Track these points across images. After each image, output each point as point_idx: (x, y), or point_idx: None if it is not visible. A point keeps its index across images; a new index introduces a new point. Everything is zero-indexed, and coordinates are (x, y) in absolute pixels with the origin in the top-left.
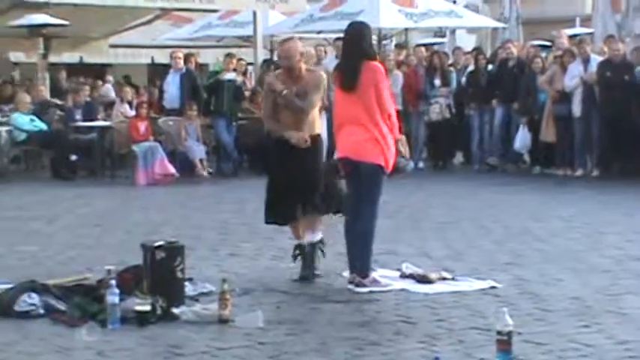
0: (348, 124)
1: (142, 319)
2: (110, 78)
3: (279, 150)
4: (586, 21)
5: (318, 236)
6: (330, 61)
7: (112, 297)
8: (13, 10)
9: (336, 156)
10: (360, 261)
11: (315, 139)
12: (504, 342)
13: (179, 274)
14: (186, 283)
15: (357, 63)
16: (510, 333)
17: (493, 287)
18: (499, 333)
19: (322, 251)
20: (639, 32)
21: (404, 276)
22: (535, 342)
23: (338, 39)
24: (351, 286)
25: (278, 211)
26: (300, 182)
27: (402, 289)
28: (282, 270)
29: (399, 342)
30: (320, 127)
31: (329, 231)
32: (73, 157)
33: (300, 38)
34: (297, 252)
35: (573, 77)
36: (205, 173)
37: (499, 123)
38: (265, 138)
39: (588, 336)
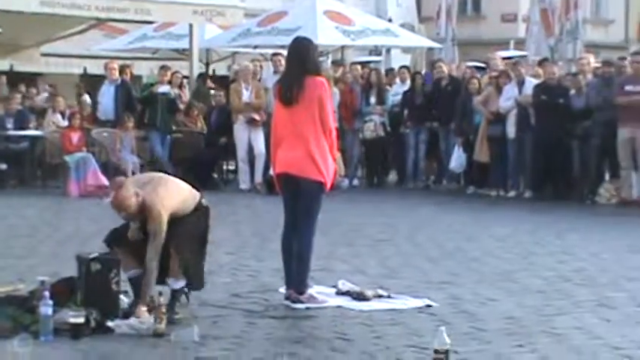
0: (288, 140)
1: (76, 332)
2: (46, 87)
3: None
4: (520, 44)
5: (182, 282)
6: (268, 76)
7: (45, 308)
8: None
9: (272, 171)
10: (296, 277)
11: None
12: None
13: (114, 287)
14: (121, 296)
15: (299, 77)
16: (448, 352)
17: (429, 306)
18: (436, 352)
19: (187, 296)
20: (571, 56)
21: (340, 293)
22: None
23: (275, 54)
24: (287, 302)
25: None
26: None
27: (339, 306)
28: (218, 285)
29: (335, 359)
30: (193, 197)
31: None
32: (3, 166)
33: (237, 52)
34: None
35: (508, 99)
36: None
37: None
38: (200, 151)
39: (523, 355)
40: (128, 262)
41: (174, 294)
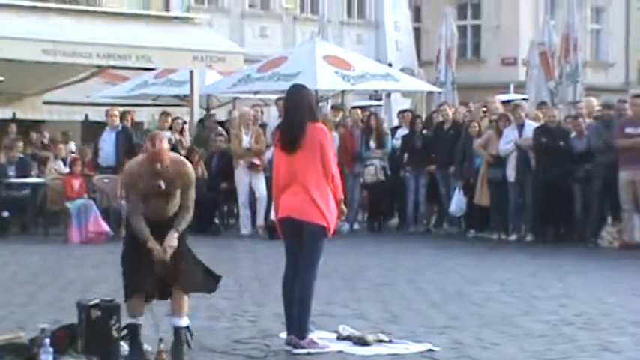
0: (291, 185)
1: None
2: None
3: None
4: (520, 87)
5: (186, 321)
6: (275, 120)
7: (46, 356)
8: None
9: (274, 216)
10: (298, 322)
11: None
12: None
13: (115, 334)
14: (122, 343)
15: (300, 124)
16: None
17: (430, 350)
18: None
19: (188, 342)
20: (572, 99)
21: (341, 338)
22: None
23: (280, 99)
24: (288, 347)
25: (142, 282)
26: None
27: (340, 351)
28: (218, 330)
29: None
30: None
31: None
32: (5, 214)
33: (237, 98)
34: (130, 332)
35: (508, 142)
36: None
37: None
38: (202, 195)
39: None
40: (139, 306)
41: (178, 332)
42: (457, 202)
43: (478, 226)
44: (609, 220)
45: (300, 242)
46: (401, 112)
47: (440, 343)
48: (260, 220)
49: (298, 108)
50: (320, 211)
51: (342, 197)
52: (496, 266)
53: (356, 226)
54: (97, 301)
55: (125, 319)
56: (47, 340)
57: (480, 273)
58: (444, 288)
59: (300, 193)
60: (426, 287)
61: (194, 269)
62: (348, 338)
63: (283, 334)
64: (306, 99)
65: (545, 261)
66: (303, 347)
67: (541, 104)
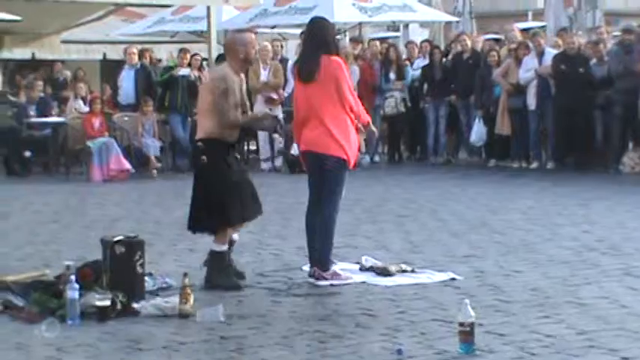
0: (311, 118)
1: (102, 315)
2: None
3: (225, 152)
4: (538, 15)
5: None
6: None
7: (72, 292)
8: None
9: (295, 149)
10: (320, 254)
11: None
12: (466, 333)
13: (139, 269)
14: (146, 278)
15: (316, 56)
16: (472, 324)
17: (453, 279)
18: (461, 324)
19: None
20: (591, 26)
21: (364, 269)
22: (497, 333)
23: (303, 33)
24: (311, 280)
25: (251, 209)
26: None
27: (363, 282)
28: (242, 264)
29: (360, 335)
30: None
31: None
32: (27, 154)
33: (255, 33)
34: (221, 259)
35: (528, 70)
36: (155, 170)
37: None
38: None
39: (549, 326)
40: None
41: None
42: (477, 132)
43: (499, 156)
44: (630, 146)
45: (322, 175)
46: (409, 43)
47: (462, 272)
48: (278, 162)
49: (314, 40)
50: (338, 143)
51: (369, 120)
52: (517, 195)
53: (376, 159)
54: (120, 237)
55: (149, 254)
56: (73, 277)
57: (502, 202)
58: (465, 218)
59: (319, 126)
60: (448, 217)
61: None
62: (370, 269)
63: (306, 267)
64: (324, 31)
65: (566, 188)
66: (325, 279)
67: (561, 31)
